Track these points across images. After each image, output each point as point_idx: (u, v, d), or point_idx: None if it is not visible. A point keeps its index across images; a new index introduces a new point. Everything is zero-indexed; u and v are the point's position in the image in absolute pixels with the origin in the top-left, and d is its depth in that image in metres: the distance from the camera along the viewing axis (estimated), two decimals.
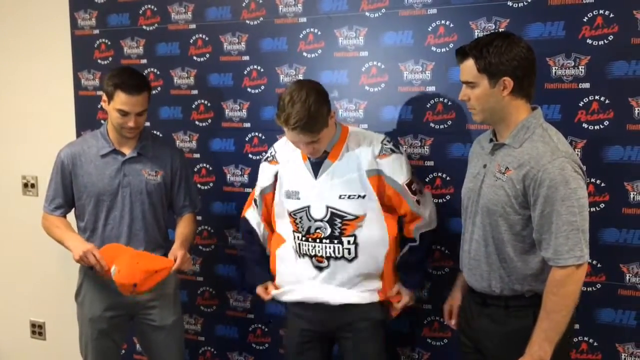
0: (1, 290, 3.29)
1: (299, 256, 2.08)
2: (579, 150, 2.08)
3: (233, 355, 2.77)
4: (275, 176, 2.14)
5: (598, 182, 2.08)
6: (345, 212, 1.99)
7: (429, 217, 2.09)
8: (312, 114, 1.88)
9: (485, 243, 1.79)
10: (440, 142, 2.27)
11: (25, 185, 3.13)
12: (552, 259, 1.66)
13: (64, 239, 2.26)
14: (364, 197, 1.99)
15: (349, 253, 2.01)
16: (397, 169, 2.02)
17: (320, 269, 2.04)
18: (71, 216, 2.41)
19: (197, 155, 2.71)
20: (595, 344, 2.15)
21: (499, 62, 1.68)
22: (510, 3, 2.13)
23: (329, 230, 2.01)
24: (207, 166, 2.71)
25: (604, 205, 2.08)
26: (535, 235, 1.69)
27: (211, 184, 2.71)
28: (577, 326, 2.14)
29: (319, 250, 2.03)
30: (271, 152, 2.19)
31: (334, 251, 2.01)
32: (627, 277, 2.08)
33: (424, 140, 2.30)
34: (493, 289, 1.79)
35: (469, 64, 1.72)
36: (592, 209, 2.08)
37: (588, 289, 2.13)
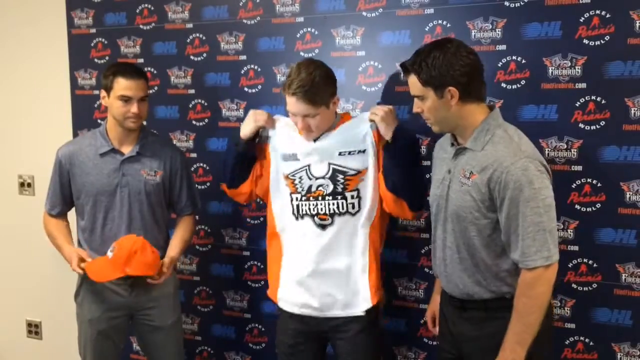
0: None
1: (298, 218, 2.07)
2: (575, 150, 2.09)
3: (230, 355, 2.77)
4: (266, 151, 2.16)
5: (594, 182, 2.09)
6: (347, 168, 2.02)
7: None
8: (315, 84, 1.93)
9: (458, 249, 1.78)
10: (434, 143, 2.26)
11: (22, 184, 3.13)
12: (521, 261, 1.65)
13: (61, 250, 2.34)
14: (364, 151, 2.02)
15: (353, 207, 2.03)
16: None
17: (323, 227, 2.03)
18: (71, 215, 2.41)
19: (194, 155, 2.70)
20: (591, 343, 2.15)
21: (439, 74, 1.67)
22: (507, 3, 2.13)
23: (331, 187, 2.02)
24: (204, 166, 2.70)
25: (600, 205, 2.09)
26: (503, 237, 1.69)
27: (208, 184, 2.71)
28: (573, 326, 2.16)
29: (321, 209, 2.03)
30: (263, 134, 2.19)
31: (337, 207, 2.02)
32: (623, 277, 2.08)
33: (420, 140, 2.30)
34: (471, 294, 1.78)
35: (413, 79, 1.73)
36: (588, 209, 2.10)
37: (584, 288, 2.14)
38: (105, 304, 2.30)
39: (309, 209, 2.04)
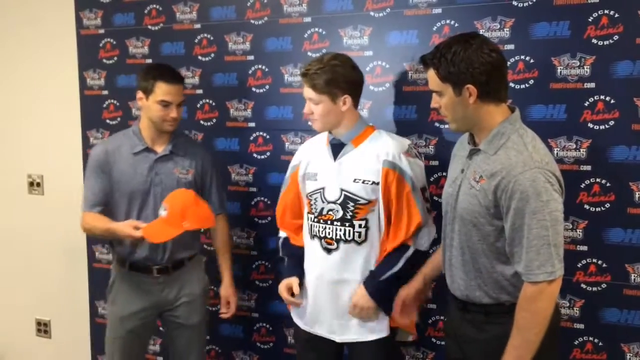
0: (7, 288, 3.30)
1: (310, 237, 2.10)
2: (584, 150, 2.08)
3: (238, 354, 2.78)
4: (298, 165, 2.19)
5: (603, 182, 2.08)
6: (358, 196, 2.00)
7: (429, 234, 2.05)
8: (322, 71, 1.95)
9: (462, 251, 1.76)
10: (446, 141, 2.27)
11: (31, 184, 3.15)
12: (524, 274, 1.60)
13: (109, 230, 2.20)
14: (377, 184, 2.00)
15: (360, 236, 2.02)
16: (417, 173, 2.01)
17: (328, 250, 2.04)
18: None
19: None
20: (600, 343, 2.14)
21: (458, 70, 1.61)
22: (515, 3, 2.12)
23: (340, 213, 2.02)
24: None
25: (609, 205, 2.08)
26: (507, 247, 1.64)
27: None
28: (582, 326, 2.16)
29: (328, 232, 2.04)
30: (294, 163, 2.22)
31: (344, 234, 2.02)
32: (633, 277, 2.08)
33: (428, 139, 2.30)
34: (471, 298, 1.76)
35: (432, 74, 1.68)
36: (597, 209, 2.09)
37: (593, 288, 2.13)
38: (137, 302, 2.33)
39: (319, 230, 2.05)
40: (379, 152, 2.00)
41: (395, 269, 2.00)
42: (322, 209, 2.04)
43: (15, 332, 3.31)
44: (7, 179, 3.20)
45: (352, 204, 2.00)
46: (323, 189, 2.06)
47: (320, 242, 2.05)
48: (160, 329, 2.55)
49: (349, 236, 2.01)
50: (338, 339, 2.09)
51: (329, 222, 2.03)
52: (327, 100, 1.98)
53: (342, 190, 2.01)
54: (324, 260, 2.04)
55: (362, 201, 2.00)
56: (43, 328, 3.25)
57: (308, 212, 2.10)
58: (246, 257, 2.69)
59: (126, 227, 2.13)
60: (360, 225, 2.01)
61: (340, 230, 2.02)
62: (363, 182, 1.99)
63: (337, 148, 2.06)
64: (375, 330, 2.05)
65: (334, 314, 2.07)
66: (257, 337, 2.72)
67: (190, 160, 2.33)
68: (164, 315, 2.39)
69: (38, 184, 3.13)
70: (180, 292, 2.35)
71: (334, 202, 2.03)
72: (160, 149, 2.30)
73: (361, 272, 2.03)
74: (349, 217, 2.01)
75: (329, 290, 2.06)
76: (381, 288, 2.00)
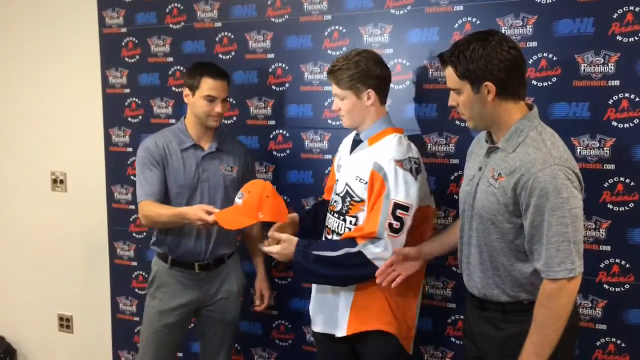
0: (29, 284, 3.35)
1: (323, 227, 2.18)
2: (608, 149, 2.05)
3: (257, 351, 2.79)
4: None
5: (627, 181, 2.05)
6: (354, 193, 2.02)
7: (385, 250, 1.92)
8: (346, 66, 1.97)
9: (480, 249, 1.75)
10: (466, 139, 2.25)
11: (54, 181, 3.19)
12: (543, 271, 1.60)
13: (178, 215, 2.17)
14: (367, 184, 2.00)
15: (349, 232, 2.03)
16: (399, 184, 1.91)
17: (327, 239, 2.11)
18: None
19: None
20: (622, 345, 2.11)
21: (476, 67, 1.61)
22: None
23: (340, 206, 2.06)
24: None
25: (633, 204, 2.05)
26: (527, 245, 1.64)
27: None
28: (604, 327, 2.13)
29: (329, 223, 2.11)
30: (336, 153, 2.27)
31: (338, 226, 2.06)
32: None
33: (449, 137, 2.29)
34: (489, 296, 1.75)
35: (450, 71, 1.67)
36: (621, 209, 2.06)
37: (616, 289, 2.10)
38: (177, 299, 2.36)
39: (327, 219, 2.12)
40: (377, 153, 1.98)
41: (331, 254, 1.94)
42: (332, 199, 2.12)
43: (37, 327, 3.37)
44: (30, 176, 3.25)
45: (349, 199, 2.03)
46: (338, 180, 2.12)
47: (324, 230, 2.13)
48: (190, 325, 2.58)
49: (341, 230, 2.04)
50: (332, 331, 2.09)
51: (332, 212, 2.10)
52: (351, 95, 1.99)
53: (346, 184, 2.05)
54: None
55: (356, 198, 2.01)
56: (65, 323, 3.30)
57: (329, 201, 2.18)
58: (264, 254, 2.69)
59: (199, 211, 2.11)
60: (350, 222, 2.03)
61: (336, 222, 2.07)
62: (360, 180, 2.01)
63: (356, 144, 2.09)
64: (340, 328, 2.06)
65: (332, 306, 2.08)
66: (276, 335, 2.73)
67: (234, 157, 2.38)
68: (200, 311, 2.43)
69: (61, 181, 3.18)
70: (220, 288, 2.40)
71: (339, 195, 2.07)
72: (206, 145, 2.34)
73: None
74: (343, 211, 2.05)
75: (329, 287, 2.10)
76: (305, 257, 1.95)
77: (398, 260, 1.93)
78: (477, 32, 1.70)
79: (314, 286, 2.19)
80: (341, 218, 2.05)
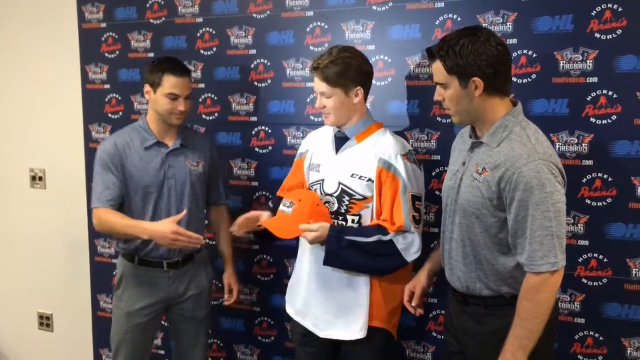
0: (9, 282, 3.31)
1: None
2: (586, 145, 2.08)
3: (239, 348, 2.79)
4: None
5: (605, 176, 2.08)
6: (354, 191, 2.01)
7: (414, 243, 1.98)
8: (335, 63, 1.95)
9: (463, 243, 1.76)
10: (448, 135, 2.27)
11: (33, 178, 3.15)
12: (527, 265, 1.62)
13: (135, 228, 2.15)
14: (372, 181, 1.99)
15: None
16: (411, 177, 1.97)
17: (322, 243, 2.02)
18: None
19: None
20: (600, 338, 2.15)
21: (465, 62, 1.62)
22: None
23: (335, 206, 2.03)
24: None
25: (611, 200, 2.08)
26: (510, 239, 1.66)
27: None
28: (582, 320, 2.16)
29: None
30: (301, 150, 2.23)
31: None
32: (634, 272, 2.08)
33: (430, 134, 2.30)
34: (471, 290, 1.77)
35: (438, 66, 1.68)
36: (599, 204, 2.09)
37: (594, 283, 2.13)
38: (145, 298, 2.33)
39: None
40: (378, 150, 2.00)
41: (364, 239, 1.94)
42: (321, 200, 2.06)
43: (17, 326, 3.33)
44: (9, 173, 3.21)
45: (347, 198, 2.01)
46: (323, 180, 2.08)
47: None
48: (163, 322, 2.56)
49: None
50: (321, 334, 2.09)
51: None
52: (340, 92, 1.98)
53: (340, 183, 2.02)
54: (318, 251, 2.04)
55: (358, 196, 2.00)
56: (45, 322, 3.26)
57: None
58: (248, 251, 2.69)
59: (167, 231, 2.06)
60: (353, 220, 2.02)
61: (335, 222, 2.02)
62: (360, 177, 2.00)
63: (340, 141, 2.07)
64: (355, 331, 2.03)
65: (322, 308, 2.07)
66: (259, 331, 2.73)
67: (199, 152, 2.36)
68: (171, 309, 2.40)
69: (40, 178, 3.14)
70: (189, 285, 2.37)
71: (331, 195, 2.04)
72: (170, 142, 2.31)
73: None
74: (342, 210, 2.02)
75: (320, 282, 2.07)
76: (338, 242, 1.94)
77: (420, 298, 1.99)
78: (464, 28, 1.71)
79: (308, 280, 2.11)
80: (340, 218, 2.03)
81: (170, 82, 2.19)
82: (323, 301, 2.07)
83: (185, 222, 2.26)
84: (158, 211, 2.28)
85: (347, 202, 2.02)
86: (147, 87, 2.25)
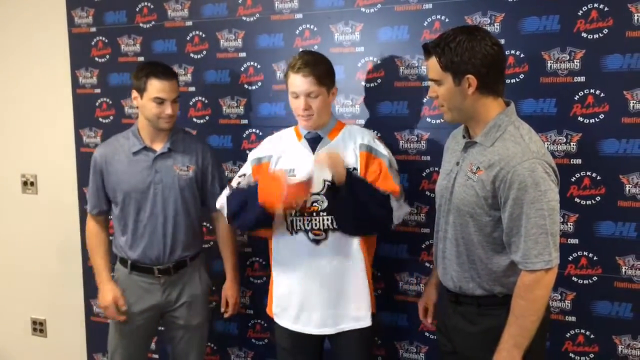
0: (2, 288, 3.30)
1: (292, 233, 2.08)
2: (575, 144, 2.09)
3: (233, 350, 2.78)
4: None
5: (594, 175, 2.09)
6: None
7: (402, 208, 2.05)
8: (320, 62, 2.00)
9: (457, 243, 1.77)
10: (438, 136, 2.28)
11: (25, 183, 3.14)
12: (521, 263, 1.63)
13: (98, 277, 2.37)
14: (356, 169, 2.02)
15: None
16: (390, 156, 2.09)
17: (317, 242, 2.04)
18: None
19: None
20: (592, 336, 2.16)
21: (460, 60, 1.63)
22: None
23: (326, 203, 2.03)
24: None
25: (599, 198, 2.09)
26: (505, 237, 1.66)
27: None
28: (573, 319, 2.17)
29: (315, 224, 2.05)
30: (259, 155, 2.17)
31: (331, 222, 2.03)
32: (623, 270, 2.09)
33: (420, 135, 2.31)
34: (464, 290, 1.78)
35: (433, 62, 1.69)
36: (588, 202, 2.10)
37: (584, 281, 2.14)
38: (138, 304, 2.32)
39: (304, 224, 2.05)
40: (354, 138, 2.07)
41: (372, 186, 1.99)
42: (305, 202, 2.04)
43: (10, 331, 3.31)
44: (1, 179, 3.20)
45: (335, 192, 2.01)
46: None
47: (306, 234, 2.05)
48: (159, 328, 2.55)
49: (336, 225, 2.03)
50: (332, 330, 2.09)
51: (314, 213, 2.04)
52: (324, 92, 2.01)
53: (324, 181, 2.02)
54: (313, 251, 2.04)
55: None
56: (39, 327, 3.25)
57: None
58: (240, 254, 2.69)
59: (102, 300, 2.31)
60: None
61: (327, 219, 2.03)
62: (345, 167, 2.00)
63: (313, 142, 2.08)
64: (364, 319, 2.08)
65: (327, 305, 2.07)
66: (252, 334, 2.73)
67: (189, 156, 2.32)
68: (165, 316, 2.39)
69: (32, 183, 3.13)
70: (182, 293, 2.34)
71: (318, 194, 2.03)
72: (159, 147, 2.29)
73: (352, 256, 2.04)
74: None
75: (321, 281, 2.06)
76: (352, 175, 1.95)
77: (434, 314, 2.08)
78: (462, 26, 1.73)
79: (304, 285, 2.09)
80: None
81: (155, 87, 2.18)
82: (327, 297, 2.06)
83: (171, 227, 2.27)
84: (142, 217, 2.27)
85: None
86: (134, 94, 2.24)
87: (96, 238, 2.40)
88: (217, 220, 2.45)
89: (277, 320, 2.17)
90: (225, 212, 2.14)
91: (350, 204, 1.95)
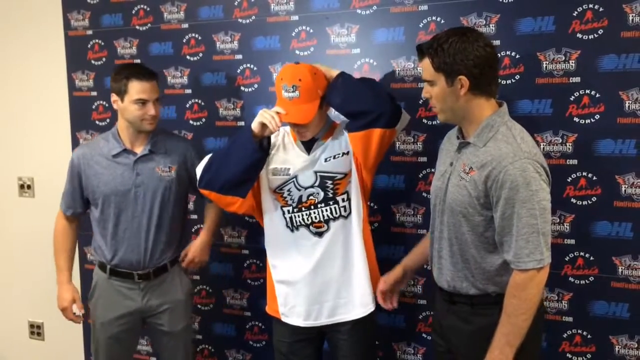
0: None
1: (292, 230, 2.08)
2: (570, 144, 2.10)
3: (231, 353, 2.78)
4: None
5: (590, 175, 2.09)
6: (333, 172, 2.03)
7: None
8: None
9: (450, 242, 1.78)
10: (434, 138, 2.28)
11: (22, 186, 3.14)
12: (513, 262, 1.64)
13: (58, 276, 2.42)
14: (347, 153, 2.04)
15: (345, 210, 2.04)
16: None
17: (320, 234, 2.05)
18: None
19: None
20: (589, 336, 2.16)
21: (453, 61, 1.65)
22: None
23: (322, 195, 2.04)
24: None
25: (595, 198, 2.09)
26: (497, 237, 1.68)
27: None
28: (570, 319, 2.17)
29: (315, 217, 2.05)
30: None
31: (331, 212, 2.04)
32: (620, 270, 2.09)
33: (417, 136, 2.31)
34: (458, 289, 1.79)
35: (426, 63, 1.71)
36: (584, 202, 2.11)
37: (581, 281, 2.14)
38: (117, 309, 2.30)
39: (303, 219, 2.05)
40: (341, 128, 2.09)
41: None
42: (301, 196, 2.05)
43: (8, 335, 3.31)
44: None
45: (330, 182, 2.03)
46: (295, 177, 2.05)
47: (308, 229, 2.05)
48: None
49: (336, 213, 2.04)
50: (344, 317, 2.08)
51: (312, 206, 2.04)
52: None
53: (316, 172, 2.03)
54: (317, 244, 2.05)
55: (339, 176, 2.03)
56: (36, 330, 3.25)
57: (283, 206, 2.08)
58: (237, 255, 2.69)
59: (61, 302, 2.36)
60: (343, 200, 2.04)
61: (327, 210, 2.04)
62: (334, 157, 2.03)
63: (308, 144, 2.08)
64: (370, 304, 2.09)
65: (337, 294, 2.07)
66: (250, 336, 2.73)
67: (172, 156, 2.29)
68: (147, 321, 2.36)
69: (29, 187, 3.13)
70: (164, 299, 2.31)
71: (312, 187, 2.04)
72: (139, 149, 2.27)
73: (360, 240, 2.05)
74: (330, 195, 2.04)
75: (330, 271, 2.06)
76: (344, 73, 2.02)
77: (385, 291, 2.06)
78: (456, 28, 1.75)
79: (311, 280, 2.07)
80: (331, 202, 2.04)
81: (136, 88, 2.15)
82: (337, 287, 2.07)
83: (153, 230, 2.25)
84: (123, 219, 2.25)
85: (331, 186, 2.03)
86: (114, 97, 2.21)
87: (64, 238, 2.40)
88: (207, 209, 2.44)
89: (285, 320, 2.14)
90: (199, 172, 2.08)
91: (351, 82, 2.00)
